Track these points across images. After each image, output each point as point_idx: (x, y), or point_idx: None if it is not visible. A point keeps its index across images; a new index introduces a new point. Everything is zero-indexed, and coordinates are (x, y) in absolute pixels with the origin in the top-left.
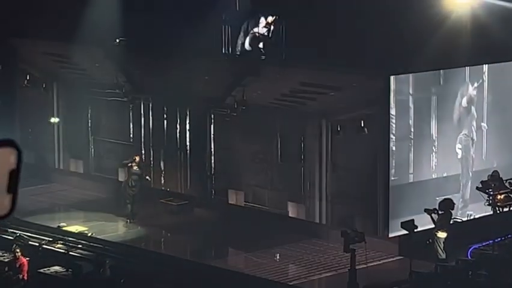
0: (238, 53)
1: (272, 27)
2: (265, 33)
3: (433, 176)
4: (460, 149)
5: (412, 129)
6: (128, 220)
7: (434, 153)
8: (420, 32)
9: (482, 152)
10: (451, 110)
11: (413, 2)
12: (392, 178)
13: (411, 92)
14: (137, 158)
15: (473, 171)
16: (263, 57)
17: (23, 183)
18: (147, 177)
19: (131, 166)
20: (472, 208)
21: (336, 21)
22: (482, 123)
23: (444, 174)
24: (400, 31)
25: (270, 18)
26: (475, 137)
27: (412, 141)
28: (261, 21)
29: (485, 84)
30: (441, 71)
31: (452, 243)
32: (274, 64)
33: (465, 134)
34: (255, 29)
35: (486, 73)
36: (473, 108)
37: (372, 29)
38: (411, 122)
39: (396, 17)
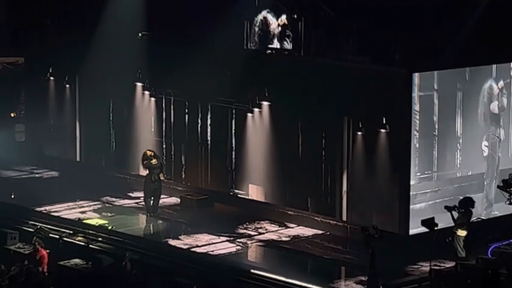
0: (253, 47)
1: (289, 23)
2: (281, 30)
3: (458, 175)
4: (487, 146)
5: (436, 126)
6: (149, 214)
7: (458, 151)
8: (446, 28)
9: (509, 150)
10: (476, 106)
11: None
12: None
13: (435, 87)
14: (148, 152)
15: (499, 171)
16: (286, 52)
17: (44, 176)
18: (161, 174)
19: (150, 162)
20: (497, 208)
21: (359, 16)
22: (500, 130)
23: (469, 173)
24: (424, 26)
25: (285, 17)
26: (501, 136)
27: (436, 138)
28: (278, 17)
29: None
30: None
31: (472, 242)
32: (296, 60)
33: (492, 132)
34: (272, 24)
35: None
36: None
37: (396, 24)
38: (435, 118)
39: (420, 12)
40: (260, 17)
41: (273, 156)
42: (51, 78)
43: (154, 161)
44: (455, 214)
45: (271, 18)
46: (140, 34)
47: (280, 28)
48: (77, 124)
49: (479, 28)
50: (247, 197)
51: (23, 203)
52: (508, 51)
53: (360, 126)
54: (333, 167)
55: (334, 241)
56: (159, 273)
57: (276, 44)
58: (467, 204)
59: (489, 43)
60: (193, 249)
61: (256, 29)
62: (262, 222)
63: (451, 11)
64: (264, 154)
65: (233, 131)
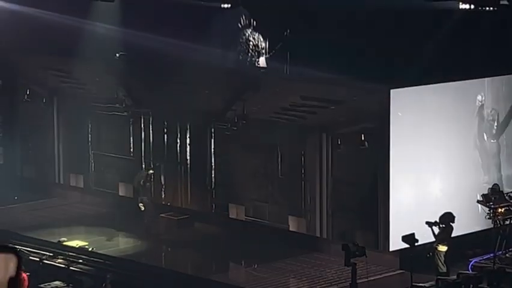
0: (233, 65)
1: (267, 41)
2: (259, 47)
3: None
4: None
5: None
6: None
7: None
8: (422, 44)
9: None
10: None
11: (412, 14)
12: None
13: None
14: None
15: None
16: (262, 70)
17: (23, 198)
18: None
19: (145, 182)
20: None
21: (337, 35)
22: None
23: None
24: (401, 44)
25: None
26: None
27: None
28: (257, 35)
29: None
30: None
31: (452, 257)
32: (275, 78)
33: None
34: (250, 41)
35: (485, 85)
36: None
37: (373, 42)
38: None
39: (396, 30)
40: (240, 34)
41: (253, 175)
42: (29, 100)
43: (147, 183)
44: (436, 229)
45: (250, 35)
46: (118, 54)
47: (258, 46)
48: (56, 146)
49: (455, 44)
50: (227, 216)
51: (3, 226)
52: (480, 66)
53: (339, 143)
54: (313, 184)
55: (315, 259)
56: None
57: (256, 62)
58: (447, 219)
59: (465, 59)
60: (174, 269)
61: (236, 46)
62: None
63: (428, 26)
64: (244, 173)
65: (212, 150)
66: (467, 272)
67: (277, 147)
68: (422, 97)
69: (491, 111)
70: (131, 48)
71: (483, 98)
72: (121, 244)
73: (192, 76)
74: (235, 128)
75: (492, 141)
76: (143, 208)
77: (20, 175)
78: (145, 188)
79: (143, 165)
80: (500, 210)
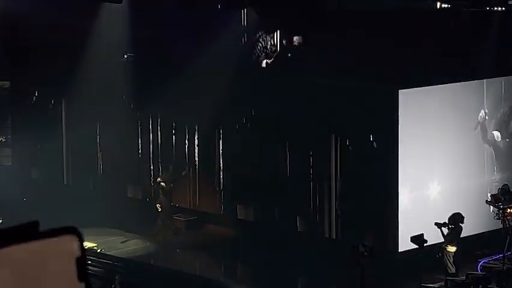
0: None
1: (276, 42)
2: (272, 50)
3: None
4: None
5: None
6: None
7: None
8: (430, 45)
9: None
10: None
11: (420, 15)
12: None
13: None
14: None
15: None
16: (272, 72)
17: (32, 199)
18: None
19: (163, 183)
20: None
21: (346, 36)
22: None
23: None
24: (410, 45)
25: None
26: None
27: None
28: (268, 38)
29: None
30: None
31: (461, 257)
32: (282, 78)
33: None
34: (260, 44)
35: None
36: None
37: (381, 43)
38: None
39: (405, 30)
40: (250, 36)
41: (261, 176)
42: (37, 101)
43: (164, 184)
44: (445, 230)
45: (260, 37)
46: (126, 56)
47: (267, 47)
48: (64, 147)
49: (458, 44)
50: (236, 217)
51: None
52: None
53: (348, 144)
54: (322, 185)
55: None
56: None
57: (262, 63)
58: (456, 219)
59: (469, 59)
60: (182, 271)
61: (245, 48)
62: None
63: (434, 27)
64: (252, 174)
65: (221, 151)
66: (476, 272)
67: (286, 148)
68: (423, 98)
69: (506, 111)
70: (139, 49)
71: (486, 114)
72: (130, 245)
73: (200, 77)
74: (243, 129)
75: (507, 140)
76: (160, 209)
77: (28, 176)
78: (165, 189)
79: (152, 167)
80: (509, 210)
